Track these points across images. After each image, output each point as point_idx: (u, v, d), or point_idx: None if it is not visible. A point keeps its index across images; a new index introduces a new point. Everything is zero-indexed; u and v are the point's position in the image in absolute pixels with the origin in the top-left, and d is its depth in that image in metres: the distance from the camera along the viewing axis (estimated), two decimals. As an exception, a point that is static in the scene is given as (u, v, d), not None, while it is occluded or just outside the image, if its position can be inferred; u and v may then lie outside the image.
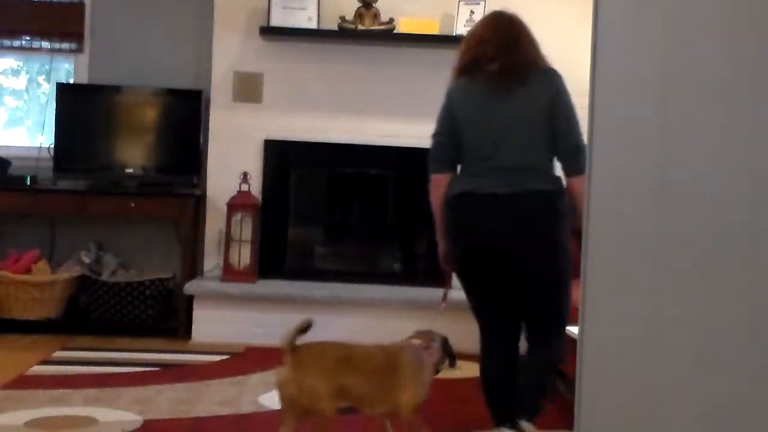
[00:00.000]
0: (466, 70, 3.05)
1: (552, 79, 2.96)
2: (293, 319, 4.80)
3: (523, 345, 3.18)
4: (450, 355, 3.07)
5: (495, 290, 3.03)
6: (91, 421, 3.32)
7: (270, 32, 5.09)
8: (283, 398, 2.74)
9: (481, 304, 3.09)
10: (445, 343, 3.07)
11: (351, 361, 2.82)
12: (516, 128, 2.92)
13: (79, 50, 5.40)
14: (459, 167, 3.09)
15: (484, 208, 2.91)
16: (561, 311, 3.04)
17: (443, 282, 3.51)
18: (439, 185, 3.04)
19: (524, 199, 2.88)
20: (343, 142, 5.18)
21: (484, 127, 2.95)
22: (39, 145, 5.30)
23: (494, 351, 3.07)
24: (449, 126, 3.03)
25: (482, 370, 3.12)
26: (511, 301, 3.03)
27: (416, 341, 3.02)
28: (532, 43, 3.05)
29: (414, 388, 2.88)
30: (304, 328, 2.73)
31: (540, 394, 3.08)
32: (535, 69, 2.98)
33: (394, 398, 2.84)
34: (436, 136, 3.07)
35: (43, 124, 5.36)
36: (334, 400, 2.75)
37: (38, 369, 4.10)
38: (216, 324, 4.86)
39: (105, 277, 5.03)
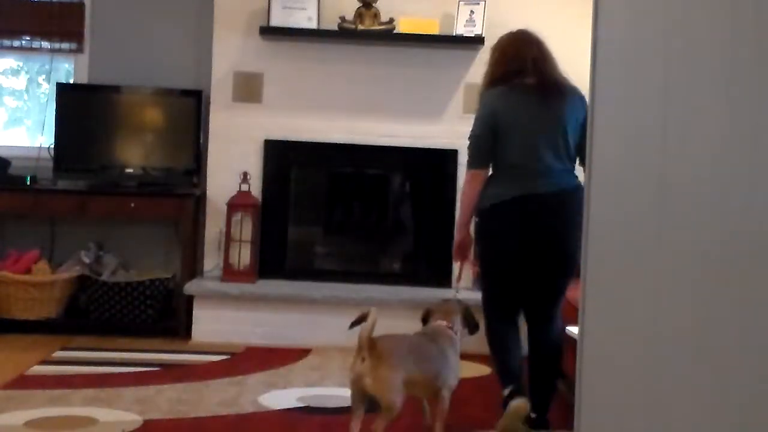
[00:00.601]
0: (500, 80, 3.38)
1: (584, 102, 3.23)
2: (293, 319, 4.85)
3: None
4: (472, 324, 3.38)
5: (526, 276, 3.36)
6: (91, 421, 3.32)
7: (270, 32, 5.09)
8: (358, 391, 2.93)
9: (506, 287, 3.40)
10: (466, 313, 3.32)
11: (413, 351, 3.06)
12: (555, 135, 3.30)
13: (79, 50, 5.40)
14: (492, 166, 3.42)
15: (535, 206, 3.27)
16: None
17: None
18: (478, 179, 3.36)
19: (565, 196, 3.27)
20: (343, 142, 5.18)
21: (529, 132, 3.30)
22: (39, 145, 5.29)
23: (507, 324, 3.41)
24: (490, 129, 3.32)
25: (497, 337, 3.42)
26: (535, 284, 3.39)
27: (441, 322, 3.29)
28: (554, 61, 3.43)
29: (455, 370, 3.17)
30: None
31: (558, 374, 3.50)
32: (566, 85, 3.38)
33: (441, 382, 3.12)
34: (478, 137, 3.36)
35: (43, 124, 5.36)
36: (403, 391, 2.97)
37: (38, 369, 4.10)
38: (216, 324, 4.86)
39: (105, 277, 5.03)
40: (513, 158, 3.31)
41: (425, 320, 3.38)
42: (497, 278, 3.40)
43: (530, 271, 3.33)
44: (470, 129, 3.42)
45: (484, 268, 3.44)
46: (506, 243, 3.32)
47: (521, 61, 3.36)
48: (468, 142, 3.42)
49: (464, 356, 4.06)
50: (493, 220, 3.33)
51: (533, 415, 3.34)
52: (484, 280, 3.48)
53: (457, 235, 3.51)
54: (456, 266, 3.63)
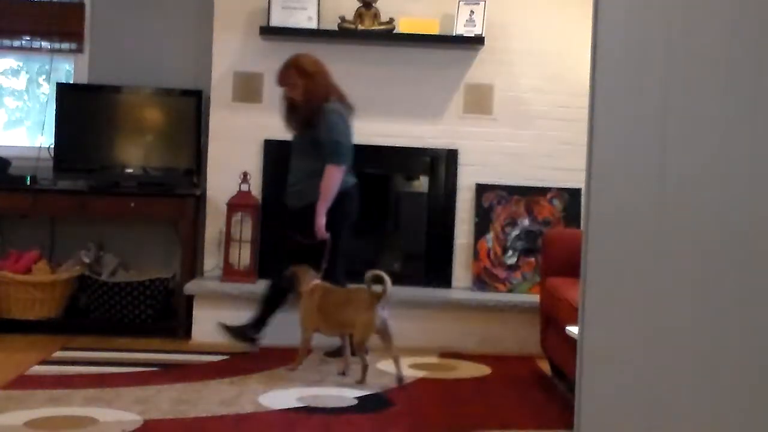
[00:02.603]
0: (329, 96, 4.38)
1: None
2: (293, 319, 4.83)
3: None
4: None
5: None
6: (91, 421, 3.32)
7: (270, 32, 5.08)
8: (379, 331, 3.95)
9: (344, 245, 4.46)
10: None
11: None
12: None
13: (79, 50, 5.40)
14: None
15: (357, 191, 4.53)
16: None
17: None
18: (343, 173, 4.33)
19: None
20: (343, 142, 5.17)
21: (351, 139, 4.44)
22: (39, 145, 5.29)
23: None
24: (349, 134, 4.39)
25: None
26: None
27: (318, 281, 4.25)
28: None
29: None
30: None
31: None
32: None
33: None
34: (347, 138, 4.37)
35: (43, 124, 5.36)
36: None
37: (38, 369, 4.10)
38: (216, 324, 4.85)
39: (105, 277, 5.02)
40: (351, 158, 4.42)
41: (291, 282, 4.24)
42: (342, 232, 4.43)
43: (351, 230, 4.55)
44: (337, 131, 4.30)
45: (341, 236, 4.40)
46: (350, 213, 4.48)
47: (334, 84, 4.43)
48: (336, 142, 4.29)
49: (464, 356, 4.06)
50: (351, 200, 4.45)
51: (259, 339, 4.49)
52: (338, 245, 4.37)
53: (323, 218, 4.32)
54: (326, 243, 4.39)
